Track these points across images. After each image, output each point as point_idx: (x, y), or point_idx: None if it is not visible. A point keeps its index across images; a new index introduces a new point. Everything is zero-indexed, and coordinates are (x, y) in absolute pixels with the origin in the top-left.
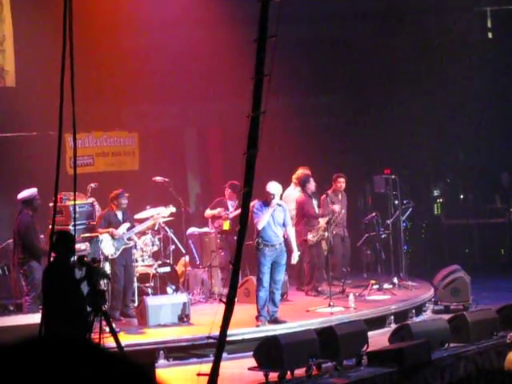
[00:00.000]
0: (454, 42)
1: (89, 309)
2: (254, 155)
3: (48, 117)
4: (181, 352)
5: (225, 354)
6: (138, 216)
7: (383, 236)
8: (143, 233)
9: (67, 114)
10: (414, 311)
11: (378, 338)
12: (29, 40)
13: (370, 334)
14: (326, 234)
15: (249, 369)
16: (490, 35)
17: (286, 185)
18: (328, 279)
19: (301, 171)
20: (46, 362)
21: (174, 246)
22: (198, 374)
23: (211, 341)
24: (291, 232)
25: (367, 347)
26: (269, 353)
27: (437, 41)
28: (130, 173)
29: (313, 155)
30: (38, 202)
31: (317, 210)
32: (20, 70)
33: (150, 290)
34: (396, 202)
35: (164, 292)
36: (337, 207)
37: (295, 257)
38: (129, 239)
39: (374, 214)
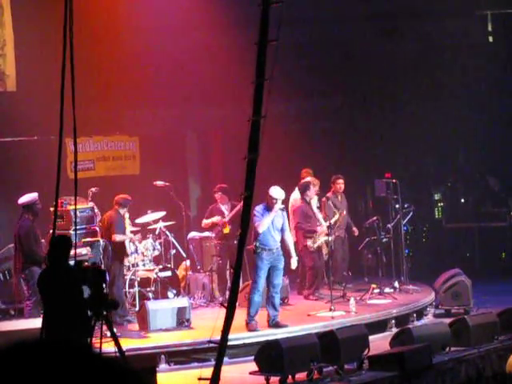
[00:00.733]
0: (455, 45)
1: (89, 313)
2: (254, 159)
3: (49, 121)
4: (182, 356)
5: (226, 359)
6: (139, 220)
7: (384, 240)
8: (144, 237)
9: (68, 118)
10: (414, 315)
11: (379, 342)
12: (29, 45)
13: (371, 338)
14: (329, 238)
15: (250, 373)
16: (490, 39)
17: (286, 189)
18: (329, 283)
19: (307, 179)
20: (40, 366)
21: (174, 251)
22: (199, 379)
23: (212, 345)
24: (289, 237)
25: (368, 351)
26: (270, 357)
27: (437, 44)
28: (130, 177)
29: (313, 159)
30: (39, 206)
31: (319, 214)
32: (21, 75)
33: (150, 295)
34: (397, 205)
35: (165, 296)
36: (336, 212)
37: (294, 262)
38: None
39: (374, 217)
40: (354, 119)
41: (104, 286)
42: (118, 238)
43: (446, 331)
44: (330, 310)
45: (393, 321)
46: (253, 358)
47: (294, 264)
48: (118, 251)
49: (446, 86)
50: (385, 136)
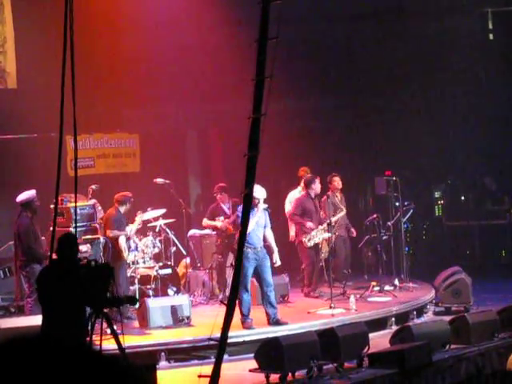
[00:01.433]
0: (455, 43)
1: (89, 310)
2: (254, 157)
3: (49, 118)
4: (182, 354)
5: (226, 356)
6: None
7: (384, 237)
8: (144, 234)
9: (68, 115)
10: (414, 313)
11: (379, 340)
12: (30, 42)
13: (371, 335)
14: (328, 234)
15: (250, 370)
16: (491, 37)
17: (285, 187)
18: (329, 281)
19: (310, 176)
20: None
21: (174, 248)
22: (199, 376)
23: (212, 342)
24: (270, 234)
25: (368, 349)
26: (270, 354)
27: (437, 43)
28: (130, 174)
29: (313, 157)
30: (37, 204)
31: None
32: (21, 72)
33: (151, 292)
34: (397, 203)
35: (165, 294)
36: (340, 211)
37: (276, 258)
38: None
39: (375, 215)
40: (354, 118)
41: (112, 282)
42: (111, 233)
43: (445, 329)
44: (330, 307)
45: (393, 318)
46: (253, 355)
47: (276, 257)
48: (116, 248)
49: (445, 85)
50: (385, 134)
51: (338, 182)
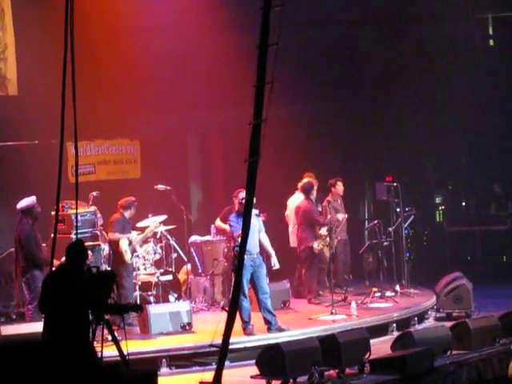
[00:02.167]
0: (456, 49)
1: (90, 317)
2: (255, 162)
3: (50, 125)
4: (183, 360)
5: (227, 362)
6: (139, 224)
7: (385, 243)
8: (145, 241)
9: (69, 122)
10: (416, 319)
11: (381, 346)
12: (30, 48)
13: (372, 341)
14: (328, 239)
15: (251, 377)
16: (491, 42)
17: (286, 193)
18: (330, 287)
19: (306, 180)
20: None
21: (176, 254)
22: (201, 383)
23: (213, 349)
24: (265, 238)
25: (369, 355)
26: (271, 361)
27: (438, 48)
28: (131, 181)
29: (314, 162)
30: (38, 210)
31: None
32: (22, 79)
33: (152, 299)
34: (398, 209)
35: (166, 300)
36: (340, 216)
37: (275, 261)
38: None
39: (375, 221)
40: (355, 123)
41: (115, 289)
42: (113, 236)
43: (447, 335)
44: (331, 313)
45: (394, 324)
46: (254, 361)
47: (274, 260)
48: (118, 253)
49: (447, 90)
50: (386, 139)
51: (341, 186)
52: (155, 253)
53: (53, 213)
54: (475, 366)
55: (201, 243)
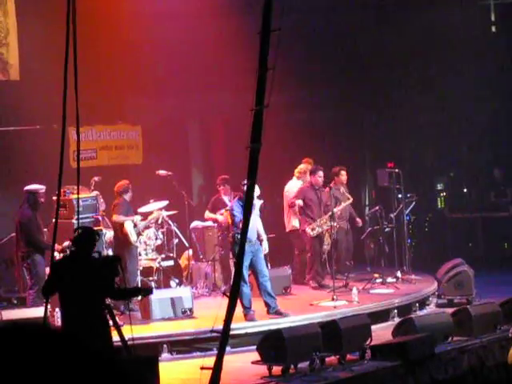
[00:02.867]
0: (457, 36)
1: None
2: (257, 149)
3: (51, 110)
4: (184, 346)
5: (228, 348)
6: (141, 210)
7: (387, 230)
8: (147, 226)
9: (70, 107)
10: (417, 305)
11: (382, 332)
12: (32, 34)
13: (373, 327)
14: (330, 224)
15: (252, 362)
16: (493, 29)
17: (287, 179)
18: (331, 273)
19: (304, 165)
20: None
21: (177, 240)
22: (202, 368)
23: (214, 334)
24: (259, 222)
25: (371, 341)
26: (272, 346)
27: (439, 35)
28: (133, 166)
29: (315, 149)
30: (41, 199)
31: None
32: (24, 64)
33: (153, 284)
34: (399, 195)
35: (167, 286)
36: (344, 201)
37: (265, 246)
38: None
39: (377, 207)
40: (356, 109)
41: (121, 272)
42: (118, 218)
43: (448, 321)
44: (333, 299)
45: (395, 310)
46: (255, 347)
47: (265, 245)
48: (122, 236)
49: (448, 77)
50: (388, 125)
51: (344, 175)
52: (156, 238)
53: (54, 198)
54: (476, 352)
55: (202, 229)
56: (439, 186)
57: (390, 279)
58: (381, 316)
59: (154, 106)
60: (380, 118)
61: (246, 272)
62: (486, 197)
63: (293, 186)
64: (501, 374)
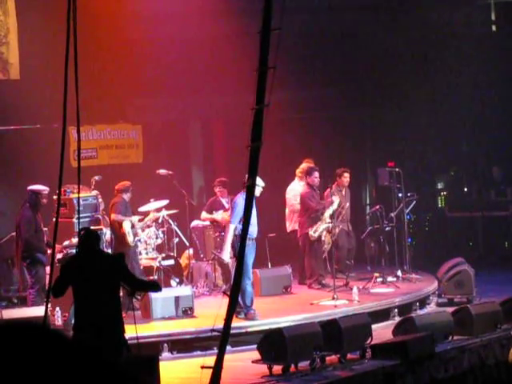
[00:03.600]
0: (457, 34)
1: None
2: (257, 148)
3: (52, 109)
4: (185, 345)
5: (228, 347)
6: (141, 209)
7: (387, 229)
8: (147, 226)
9: (71, 106)
10: (417, 304)
11: (382, 331)
12: (33, 33)
13: (373, 326)
14: (331, 225)
15: (253, 361)
16: (493, 28)
17: (288, 178)
18: (332, 272)
19: (305, 165)
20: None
21: (177, 239)
22: (202, 367)
23: (215, 333)
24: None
25: (371, 340)
26: (273, 345)
27: (439, 34)
28: (133, 165)
29: (315, 148)
30: (42, 201)
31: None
32: (24, 63)
33: None
34: (400, 194)
35: (168, 285)
36: (336, 199)
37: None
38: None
39: (377, 206)
40: (356, 108)
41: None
42: (116, 217)
43: (448, 320)
44: (333, 298)
45: (395, 310)
46: (255, 346)
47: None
48: (120, 235)
49: (449, 76)
50: (388, 125)
51: (347, 178)
52: (157, 237)
53: (55, 197)
54: (476, 351)
55: (202, 228)
56: (439, 185)
57: (390, 278)
58: (381, 315)
59: (155, 105)
60: (380, 117)
61: (251, 270)
62: (487, 196)
63: (294, 188)
64: (501, 373)
